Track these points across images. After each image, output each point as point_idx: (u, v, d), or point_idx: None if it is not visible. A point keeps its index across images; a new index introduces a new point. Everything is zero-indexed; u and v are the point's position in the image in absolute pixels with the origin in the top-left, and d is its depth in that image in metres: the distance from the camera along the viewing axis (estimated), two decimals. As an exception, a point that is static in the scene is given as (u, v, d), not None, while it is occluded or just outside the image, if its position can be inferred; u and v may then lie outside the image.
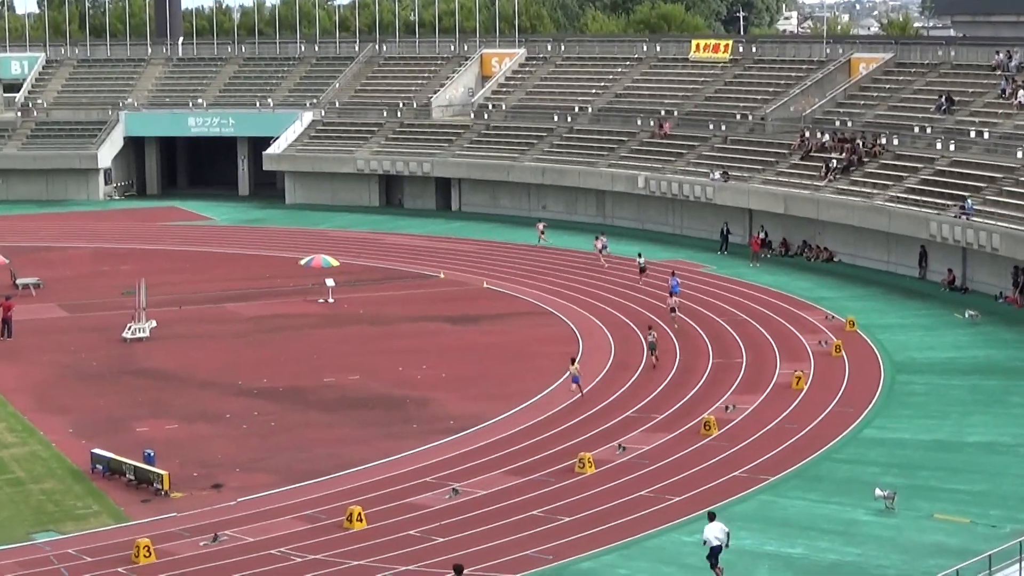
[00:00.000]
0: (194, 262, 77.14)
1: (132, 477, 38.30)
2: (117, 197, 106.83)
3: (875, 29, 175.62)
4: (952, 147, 73.08)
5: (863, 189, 73.23)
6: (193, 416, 45.67)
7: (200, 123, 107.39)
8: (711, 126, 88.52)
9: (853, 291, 66.20)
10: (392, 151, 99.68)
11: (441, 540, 33.83)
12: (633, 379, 49.66)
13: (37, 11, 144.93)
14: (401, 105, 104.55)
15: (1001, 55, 79.78)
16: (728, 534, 31.26)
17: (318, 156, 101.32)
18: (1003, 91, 76.82)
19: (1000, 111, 75.31)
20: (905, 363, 51.67)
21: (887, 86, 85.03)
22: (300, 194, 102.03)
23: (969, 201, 65.60)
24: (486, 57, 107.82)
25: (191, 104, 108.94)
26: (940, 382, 48.84)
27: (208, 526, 34.90)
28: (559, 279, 69.53)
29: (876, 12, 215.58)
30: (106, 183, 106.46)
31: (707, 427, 42.64)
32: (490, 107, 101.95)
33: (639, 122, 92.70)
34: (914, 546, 32.89)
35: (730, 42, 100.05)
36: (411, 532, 34.34)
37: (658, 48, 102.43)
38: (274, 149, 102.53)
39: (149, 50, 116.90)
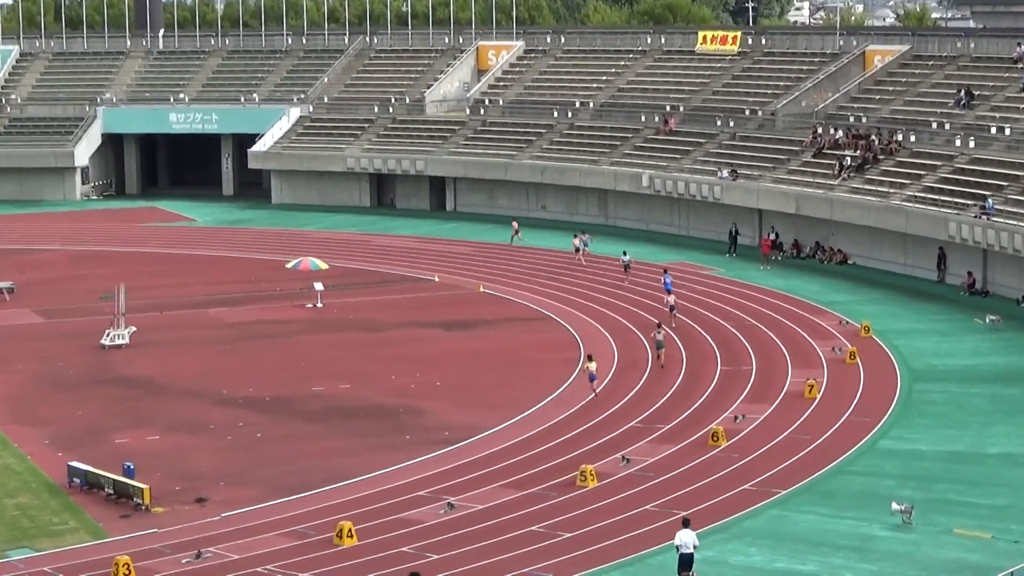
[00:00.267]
0: (176, 265, 77.15)
1: (111, 491, 38.30)
2: (95, 197, 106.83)
3: (891, 20, 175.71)
4: (972, 144, 73.16)
5: (878, 188, 73.30)
6: (175, 427, 45.68)
7: (182, 119, 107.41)
8: (719, 122, 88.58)
9: (868, 295, 66.25)
10: (384, 149, 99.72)
11: (435, 557, 33.84)
12: (637, 387, 49.72)
13: (10, 1, 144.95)
14: (393, 100, 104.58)
15: (1023, 47, 79.88)
16: (696, 547, 31.56)
17: (306, 154, 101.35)
18: (1025, 85, 77.02)
19: (1022, 105, 75.39)
20: (923, 370, 51.72)
21: (903, 80, 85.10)
22: (287, 194, 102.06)
23: (990, 200, 65.67)
24: (482, 50, 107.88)
25: (172, 99, 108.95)
26: (959, 390, 48.89)
27: (191, 543, 34.91)
28: (558, 283, 69.59)
29: (892, 2, 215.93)
30: (83, 182, 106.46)
31: (715, 438, 42.68)
32: (487, 102, 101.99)
33: (643, 118, 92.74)
34: (932, 563, 32.93)
35: (739, 34, 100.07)
36: (404, 549, 34.36)
37: (663, 40, 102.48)
38: (260, 147, 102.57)
39: (128, 43, 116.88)
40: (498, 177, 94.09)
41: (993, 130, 73.65)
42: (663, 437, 43.63)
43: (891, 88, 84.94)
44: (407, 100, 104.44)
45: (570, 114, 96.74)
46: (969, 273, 66.12)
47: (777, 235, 77.18)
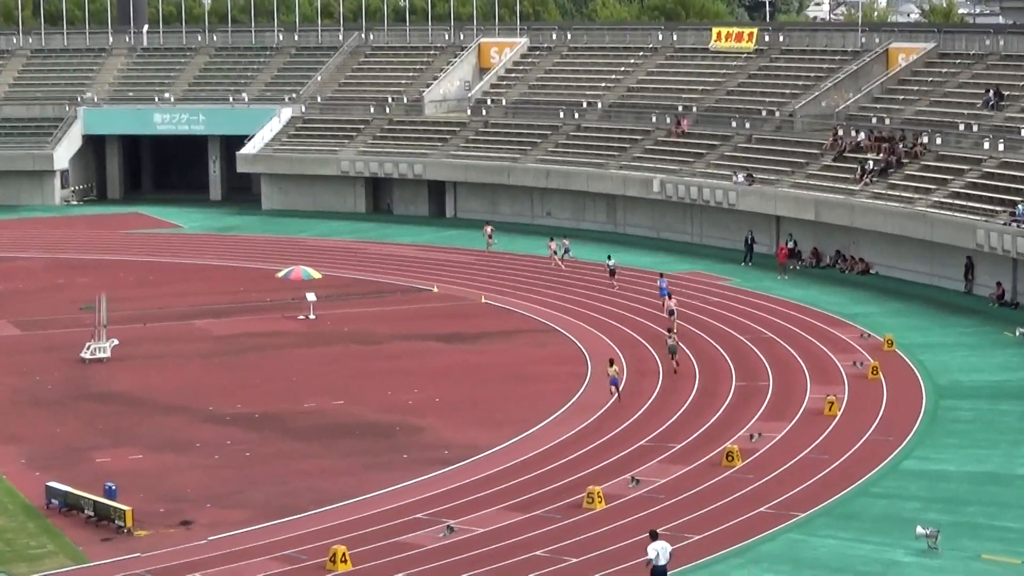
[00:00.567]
0: (160, 274, 77.21)
1: (91, 513, 38.29)
2: (75, 202, 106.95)
3: (915, 16, 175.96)
4: (1001, 147, 73.20)
5: (902, 194, 73.34)
6: (159, 445, 45.68)
7: (167, 120, 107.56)
8: (734, 123, 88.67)
9: (891, 306, 66.27)
10: (380, 151, 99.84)
11: (434, 583, 33.89)
12: (647, 404, 49.73)
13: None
14: (390, 100, 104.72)
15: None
16: (672, 553, 31.69)
17: (298, 157, 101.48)
18: (1057, 85, 77.13)
19: (1054, 107, 75.55)
20: (949, 387, 51.72)
21: (929, 79, 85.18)
22: (278, 199, 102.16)
23: (1020, 207, 65.67)
24: (484, 47, 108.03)
25: (157, 99, 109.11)
26: (988, 408, 48.87)
27: (176, 568, 34.90)
28: (563, 293, 69.63)
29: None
30: (63, 186, 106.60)
31: (730, 458, 42.68)
32: (488, 102, 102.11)
33: (654, 119, 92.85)
34: (959, 590, 32.96)
35: (755, 30, 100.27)
36: (401, 574, 34.37)
37: (675, 37, 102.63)
38: (249, 149, 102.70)
39: (110, 39, 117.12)
40: (500, 182, 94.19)
41: (1023, 132, 73.72)
42: (675, 457, 43.62)
43: (916, 88, 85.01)
44: (405, 100, 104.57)
45: (577, 115, 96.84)
46: (998, 283, 66.14)
47: (795, 243, 77.23)
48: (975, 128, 76.56)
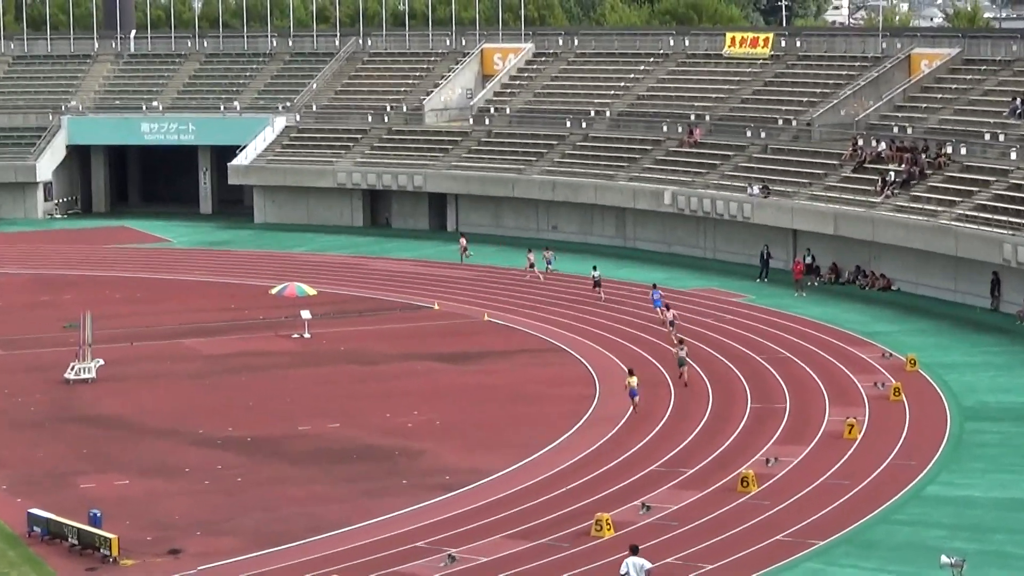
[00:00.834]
0: (148, 291, 77.27)
1: (75, 542, 38.27)
2: (59, 215, 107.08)
3: (939, 20, 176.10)
4: (1029, 157, 73.32)
5: (925, 206, 73.35)
6: (147, 470, 45.69)
7: (155, 129, 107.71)
8: (749, 133, 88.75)
9: (914, 324, 66.27)
10: (378, 163, 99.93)
11: (435, 615, 33.87)
12: (659, 427, 49.71)
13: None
14: (389, 109, 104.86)
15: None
16: (648, 573, 31.66)
17: (292, 168, 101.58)
18: (1088, 92, 77.16)
19: (1084, 115, 75.58)
20: (975, 408, 51.69)
21: (953, 86, 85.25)
22: (271, 212, 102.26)
23: (1049, 220, 65.78)
24: (487, 53, 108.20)
25: (145, 108, 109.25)
26: (1016, 431, 48.83)
27: (164, 598, 34.93)
28: (570, 311, 69.64)
29: (940, 1, 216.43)
30: (46, 199, 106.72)
31: (745, 483, 42.66)
32: (492, 111, 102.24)
33: (665, 128, 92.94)
34: (986, 622, 32.92)
35: (771, 35, 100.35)
36: (400, 606, 34.39)
37: (687, 42, 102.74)
38: (241, 160, 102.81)
39: (96, 45, 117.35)
40: (504, 194, 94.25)
41: (1052, 142, 73.86)
42: (687, 482, 43.60)
43: (939, 96, 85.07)
44: (404, 109, 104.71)
45: (584, 124, 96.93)
46: (1026, 300, 66.23)
47: (813, 258, 77.24)
48: (1001, 138, 76.60)
